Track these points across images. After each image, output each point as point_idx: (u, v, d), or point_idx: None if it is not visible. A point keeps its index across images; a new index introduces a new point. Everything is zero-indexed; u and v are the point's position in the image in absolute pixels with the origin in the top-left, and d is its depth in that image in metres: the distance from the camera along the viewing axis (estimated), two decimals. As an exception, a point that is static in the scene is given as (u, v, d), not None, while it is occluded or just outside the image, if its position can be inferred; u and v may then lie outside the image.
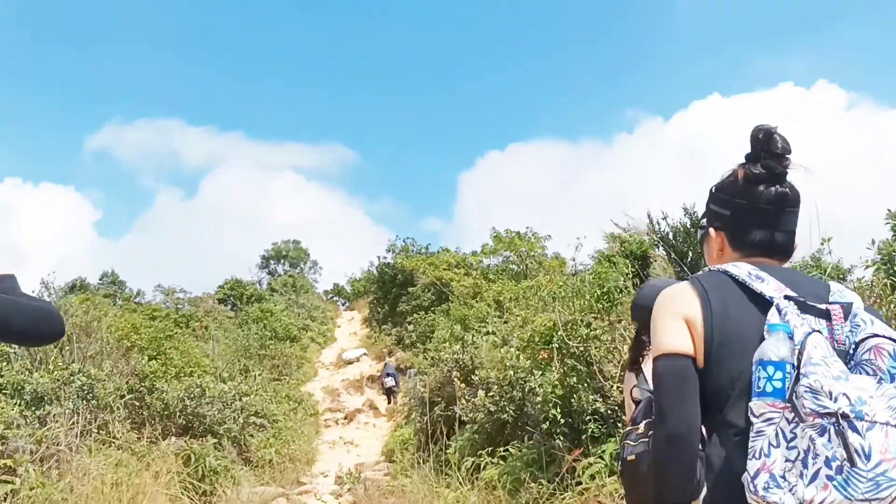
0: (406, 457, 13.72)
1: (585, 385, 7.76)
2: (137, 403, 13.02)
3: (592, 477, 7.20)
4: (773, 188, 1.97)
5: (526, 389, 9.23)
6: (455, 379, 10.62)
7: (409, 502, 9.96)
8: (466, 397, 10.21)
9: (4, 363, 10.82)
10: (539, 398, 8.75)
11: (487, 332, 12.32)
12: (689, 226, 14.06)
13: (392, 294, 32.59)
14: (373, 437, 21.36)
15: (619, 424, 7.41)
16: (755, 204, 1.98)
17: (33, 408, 10.23)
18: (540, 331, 8.05)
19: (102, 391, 11.21)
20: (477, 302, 15.15)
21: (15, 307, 2.23)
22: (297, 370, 26.73)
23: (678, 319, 1.92)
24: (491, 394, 9.50)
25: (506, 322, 12.57)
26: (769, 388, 1.68)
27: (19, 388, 10.32)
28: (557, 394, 7.81)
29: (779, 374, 1.68)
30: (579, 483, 7.40)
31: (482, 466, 9.33)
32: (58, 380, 10.46)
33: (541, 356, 9.13)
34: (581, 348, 7.73)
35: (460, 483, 9.39)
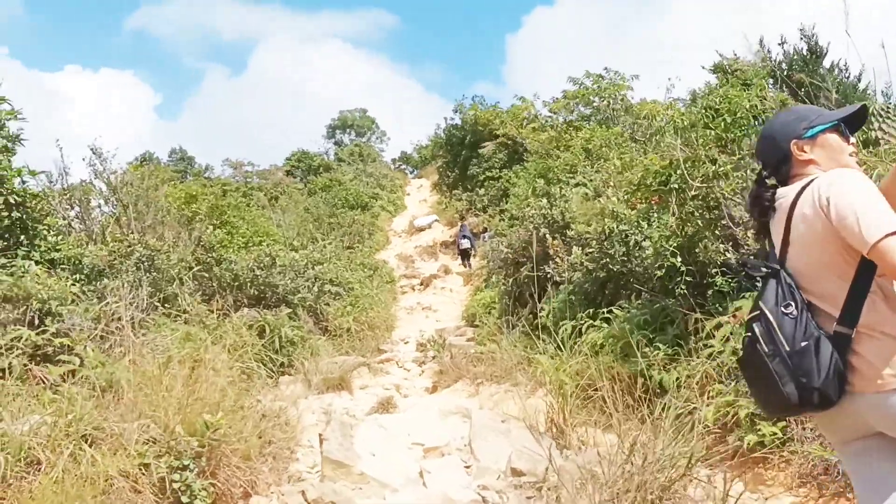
0: (490, 321, 12.86)
1: (711, 232, 6.51)
2: (207, 275, 12.38)
3: (725, 339, 6.06)
4: None
5: (631, 243, 8.03)
6: (547, 236, 9.47)
7: (500, 369, 9.08)
8: (560, 255, 9.09)
9: (60, 237, 10.11)
10: (649, 251, 7.56)
11: (577, 184, 11.04)
12: (806, 51, 12.23)
13: (461, 157, 31.23)
14: (450, 301, 20.70)
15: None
16: None
17: (95, 283, 9.58)
18: (653, 170, 6.73)
19: (166, 262, 10.48)
20: (561, 152, 13.77)
21: None
22: (370, 238, 26.03)
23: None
24: (589, 250, 8.33)
25: (597, 171, 11.25)
26: None
27: (76, 262, 9.64)
28: (675, 243, 6.58)
29: None
30: (707, 346, 6.29)
31: (582, 330, 8.29)
32: (114, 251, 9.71)
33: (653, 200, 7.87)
34: (705, 189, 6.42)
35: (558, 348, 8.42)
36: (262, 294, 12.70)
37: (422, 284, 23.33)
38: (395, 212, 38.99)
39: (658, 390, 6.67)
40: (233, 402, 5.58)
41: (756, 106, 6.35)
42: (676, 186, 6.47)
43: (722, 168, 6.20)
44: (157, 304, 9.74)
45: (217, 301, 11.70)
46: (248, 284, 12.57)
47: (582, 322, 8.32)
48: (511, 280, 11.26)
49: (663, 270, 6.96)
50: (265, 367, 10.93)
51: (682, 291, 6.81)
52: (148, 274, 9.94)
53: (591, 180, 10.99)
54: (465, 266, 24.38)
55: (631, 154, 8.39)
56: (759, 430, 5.40)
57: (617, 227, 8.11)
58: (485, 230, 26.79)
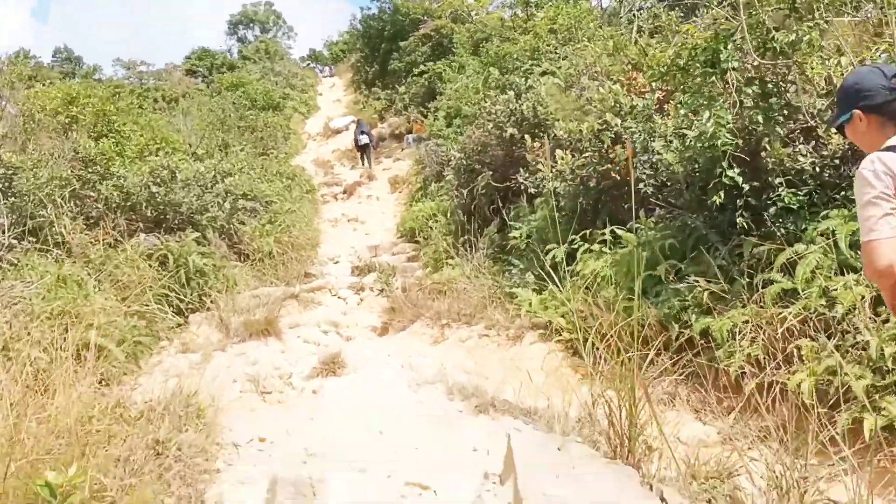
0: (436, 238, 11.02)
1: (772, 130, 4.77)
2: (91, 195, 10.09)
3: (811, 275, 4.41)
4: None
5: (639, 143, 6.26)
6: (520, 136, 7.57)
7: (468, 305, 7.33)
8: (542, 161, 7.27)
9: None
10: (668, 155, 5.82)
11: (544, 73, 9.14)
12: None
13: (381, 51, 28.68)
14: (378, 211, 18.75)
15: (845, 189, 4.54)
16: None
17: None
18: (691, 47, 4.90)
19: (32, 182, 8.19)
20: (519, 35, 11.64)
21: None
22: (285, 142, 23.54)
23: None
24: (586, 154, 6.51)
25: (566, 57, 9.34)
26: None
27: None
28: (731, 144, 4.80)
29: None
30: (774, 282, 4.65)
31: (575, 257, 6.58)
32: (-46, 172, 7.39)
33: (662, 92, 6.15)
34: (772, 67, 4.65)
35: (544, 279, 6.69)
36: (161, 215, 10.51)
37: (345, 193, 21.15)
38: (308, 113, 36.15)
39: (702, 342, 5.06)
40: (110, 406, 3.64)
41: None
42: (733, 65, 4.66)
43: (805, 35, 4.40)
44: (22, 237, 7.55)
45: (104, 227, 9.50)
46: (144, 204, 10.34)
47: (574, 246, 6.60)
48: (466, 191, 9.41)
49: (691, 187, 5.24)
50: (170, 307, 8.95)
51: (719, 207, 5.12)
52: (7, 198, 7.68)
53: (559, 67, 9.10)
54: (362, 164, 22.77)
55: (622, 34, 6.55)
56: (884, 409, 3.84)
57: (620, 123, 6.30)
58: (408, 131, 24.68)
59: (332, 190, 21.69)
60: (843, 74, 4.68)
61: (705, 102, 4.81)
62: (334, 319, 8.87)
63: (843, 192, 4.69)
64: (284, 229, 12.56)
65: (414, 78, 24.01)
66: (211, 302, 9.02)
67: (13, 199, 7.63)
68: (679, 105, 5.35)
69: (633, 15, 9.07)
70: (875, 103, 2.53)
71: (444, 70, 17.22)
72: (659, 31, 8.22)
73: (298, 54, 57.04)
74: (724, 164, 4.80)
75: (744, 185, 4.84)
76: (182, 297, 9.21)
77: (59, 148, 10.27)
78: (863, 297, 4.13)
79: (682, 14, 7.02)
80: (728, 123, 4.69)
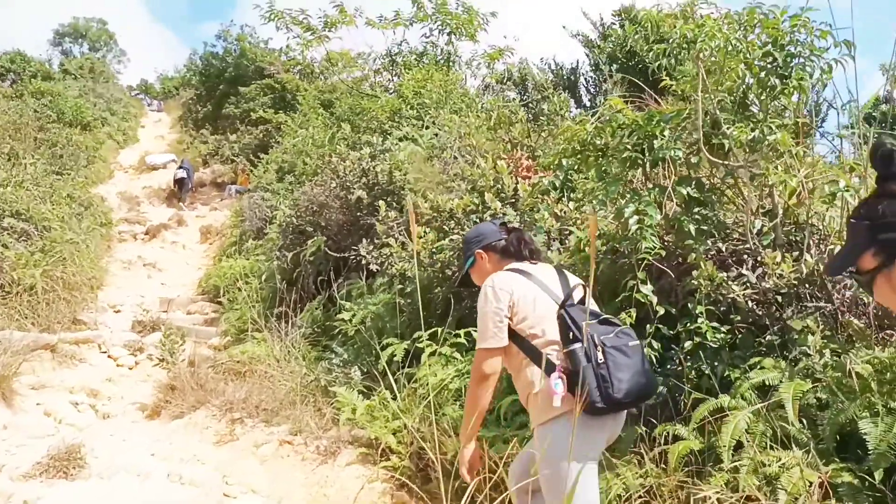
0: (243, 303, 9.36)
1: (702, 243, 3.80)
2: None
3: (734, 441, 3.37)
4: None
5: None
6: (380, 204, 6.19)
7: (273, 398, 5.77)
8: (393, 235, 5.95)
9: None
10: (555, 255, 4.76)
11: (404, 138, 7.97)
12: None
13: (218, 92, 26.79)
14: (182, 260, 16.73)
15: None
16: None
17: None
18: (618, 125, 3.87)
19: None
20: (380, 93, 10.40)
21: None
22: (87, 166, 20.95)
23: None
24: (453, 237, 5.27)
25: (430, 125, 8.25)
26: None
27: None
28: (650, 247, 3.74)
29: None
30: (677, 438, 3.57)
31: (418, 359, 5.27)
32: None
33: (524, 172, 5.19)
34: (723, 167, 3.70)
35: (375, 380, 5.33)
36: None
37: (147, 234, 18.85)
38: (124, 143, 33.10)
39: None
40: None
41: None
42: (672, 154, 3.66)
43: (771, 134, 3.49)
44: None
45: None
46: None
47: (419, 344, 5.29)
48: (290, 254, 7.93)
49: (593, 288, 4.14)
50: None
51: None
52: None
53: (421, 135, 7.99)
54: (179, 199, 22.03)
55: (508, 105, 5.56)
56: None
57: (499, 207, 5.18)
58: (232, 182, 22.90)
59: (133, 228, 19.30)
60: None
61: (628, 194, 3.76)
62: (95, 387, 6.98)
63: (768, 338, 3.74)
64: (58, 261, 10.38)
65: (248, 127, 22.42)
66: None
67: None
68: (587, 194, 4.30)
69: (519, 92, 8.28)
70: (490, 241, 3.15)
71: (286, 121, 15.71)
72: (544, 115, 7.41)
73: (127, 81, 53.23)
74: (641, 275, 3.73)
75: (658, 308, 3.79)
76: None
77: None
78: (810, 484, 3.11)
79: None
80: (654, 224, 3.66)
